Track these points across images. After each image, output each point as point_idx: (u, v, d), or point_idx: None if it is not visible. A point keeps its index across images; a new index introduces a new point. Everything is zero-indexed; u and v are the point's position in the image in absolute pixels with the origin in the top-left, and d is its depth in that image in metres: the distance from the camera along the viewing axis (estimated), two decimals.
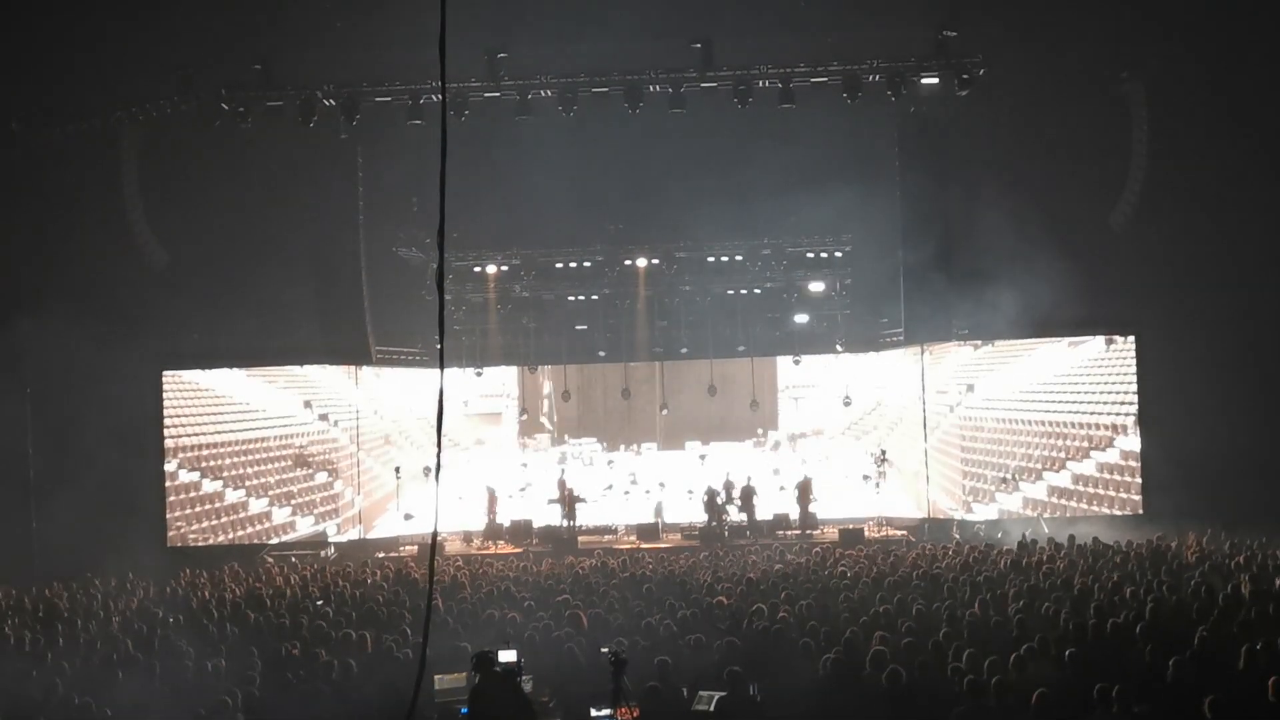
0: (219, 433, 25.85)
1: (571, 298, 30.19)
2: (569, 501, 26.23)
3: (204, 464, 25.54)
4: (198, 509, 25.36)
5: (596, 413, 33.18)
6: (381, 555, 24.52)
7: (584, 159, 25.01)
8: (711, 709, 9.83)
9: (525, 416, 32.55)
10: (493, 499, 26.61)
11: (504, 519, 26.46)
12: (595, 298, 30.16)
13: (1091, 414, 25.30)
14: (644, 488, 29.23)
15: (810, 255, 29.40)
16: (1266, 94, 22.90)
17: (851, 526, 25.24)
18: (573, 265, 29.78)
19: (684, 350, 30.28)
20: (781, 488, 26.73)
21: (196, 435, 25.60)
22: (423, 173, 23.77)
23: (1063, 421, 25.56)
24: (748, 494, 26.11)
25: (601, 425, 33.25)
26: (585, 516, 26.72)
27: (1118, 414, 24.93)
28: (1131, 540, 18.85)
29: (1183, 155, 24.20)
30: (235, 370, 26.05)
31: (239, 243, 24.75)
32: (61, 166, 24.45)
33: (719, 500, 26.06)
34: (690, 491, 26.90)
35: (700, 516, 26.23)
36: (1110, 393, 25.06)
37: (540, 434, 33.79)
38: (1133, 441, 24.60)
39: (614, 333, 30.32)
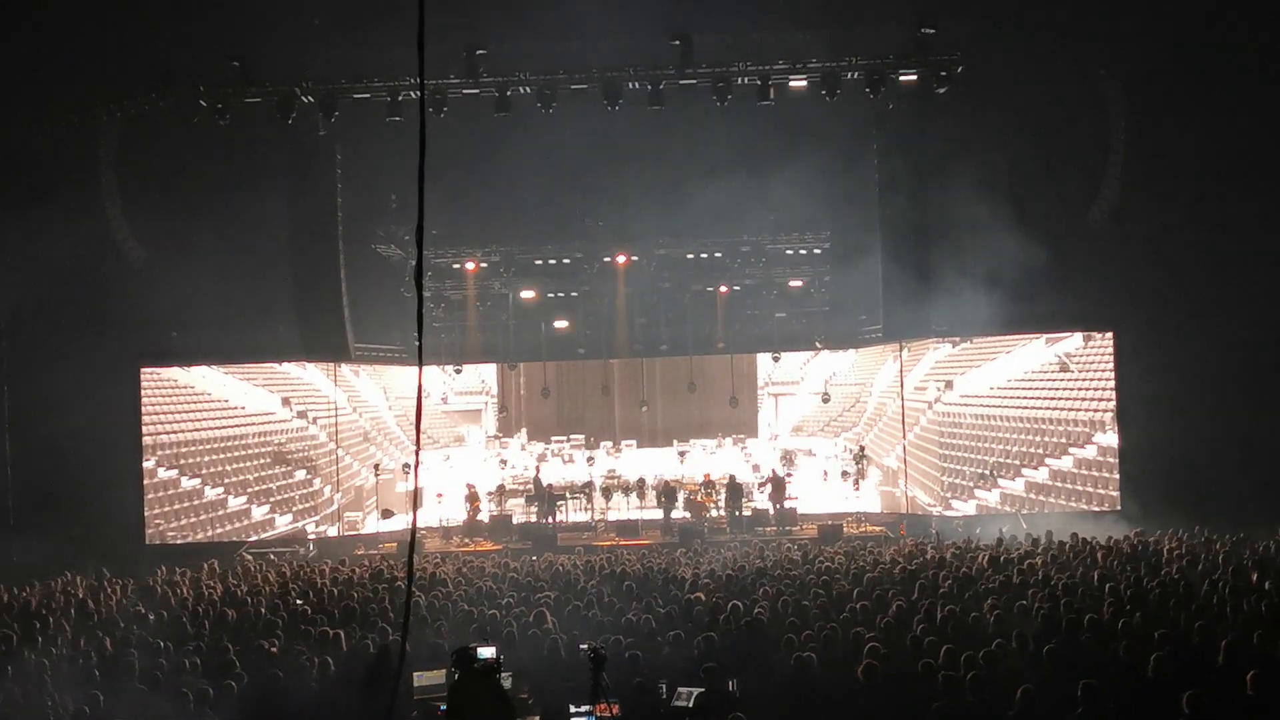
0: (197, 430, 25.72)
1: (551, 295, 30.18)
2: (546, 498, 26.29)
3: (182, 461, 25.41)
4: (176, 506, 25.23)
5: (575, 410, 33.08)
6: (361, 552, 24.47)
7: (563, 156, 25.00)
8: (690, 705, 9.85)
9: (504, 413, 32.48)
10: (472, 495, 26.59)
11: (484, 516, 26.47)
12: (575, 295, 30.18)
13: (1070, 410, 25.40)
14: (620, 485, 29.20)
15: (789, 252, 29.54)
16: (1245, 91, 23.03)
17: (830, 523, 25.30)
18: (552, 262, 29.82)
19: (664, 347, 30.32)
20: (759, 485, 26.78)
21: (175, 432, 25.47)
22: (401, 170, 23.84)
23: (1041, 418, 25.64)
24: (735, 490, 26.14)
25: (581, 423, 33.18)
26: (564, 513, 26.73)
27: (1096, 410, 25.04)
28: (1110, 536, 18.92)
29: (1160, 152, 24.34)
30: (213, 367, 25.94)
31: (217, 239, 24.60)
32: (39, 162, 24.27)
33: (711, 496, 26.21)
34: (677, 484, 26.98)
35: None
36: (1088, 389, 25.16)
37: (519, 430, 33.72)
38: (1111, 438, 24.71)
39: (594, 330, 30.34)
